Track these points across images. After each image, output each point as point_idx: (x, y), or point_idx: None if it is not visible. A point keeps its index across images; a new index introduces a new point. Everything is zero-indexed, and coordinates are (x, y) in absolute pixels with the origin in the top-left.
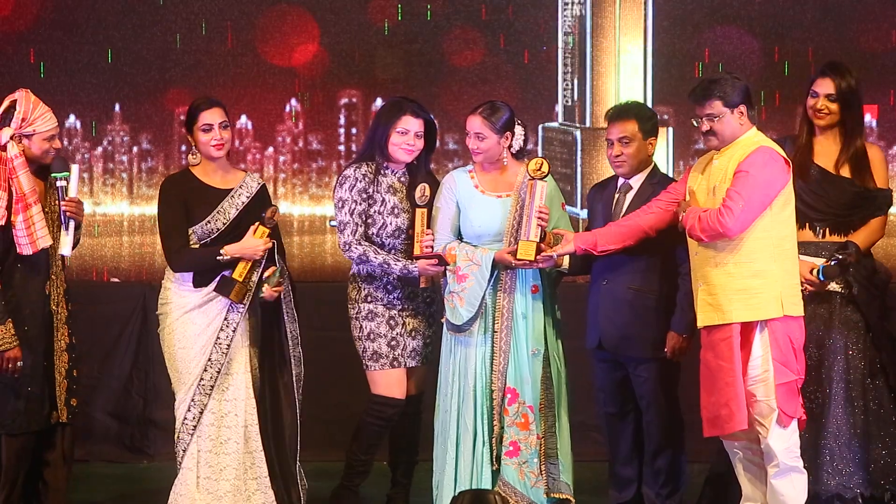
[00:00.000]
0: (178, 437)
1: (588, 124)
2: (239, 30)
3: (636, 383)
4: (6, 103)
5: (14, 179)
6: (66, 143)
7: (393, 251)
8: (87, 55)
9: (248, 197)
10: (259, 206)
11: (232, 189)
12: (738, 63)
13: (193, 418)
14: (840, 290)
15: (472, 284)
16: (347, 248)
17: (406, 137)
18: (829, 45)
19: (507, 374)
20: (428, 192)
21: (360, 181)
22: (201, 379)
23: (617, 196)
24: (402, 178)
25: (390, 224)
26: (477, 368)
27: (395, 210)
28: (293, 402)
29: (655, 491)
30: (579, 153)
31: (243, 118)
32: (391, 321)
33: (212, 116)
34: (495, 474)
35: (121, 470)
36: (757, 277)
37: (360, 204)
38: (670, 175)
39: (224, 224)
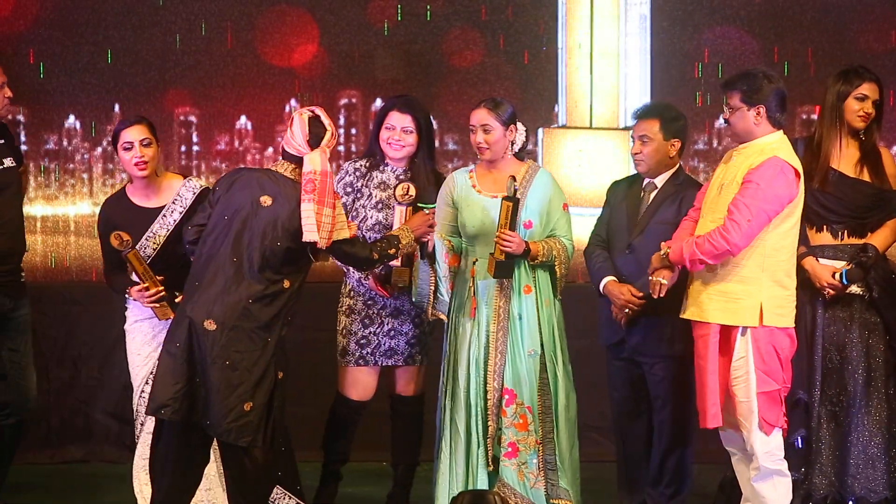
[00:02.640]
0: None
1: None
2: (238, 30)
3: (652, 382)
4: (301, 123)
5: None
6: (65, 143)
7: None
8: (86, 56)
9: (181, 213)
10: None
11: (164, 206)
12: (737, 63)
13: (137, 428)
14: (861, 292)
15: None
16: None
17: (392, 133)
18: (829, 46)
19: (504, 376)
20: (413, 192)
21: (350, 175)
22: (142, 391)
23: (642, 194)
24: (402, 176)
25: (371, 218)
26: (471, 370)
27: (380, 205)
28: None
29: (660, 490)
30: (541, 152)
31: (243, 118)
32: (367, 319)
33: (132, 134)
34: (492, 476)
35: (121, 470)
36: (741, 283)
37: (342, 197)
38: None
39: (154, 249)
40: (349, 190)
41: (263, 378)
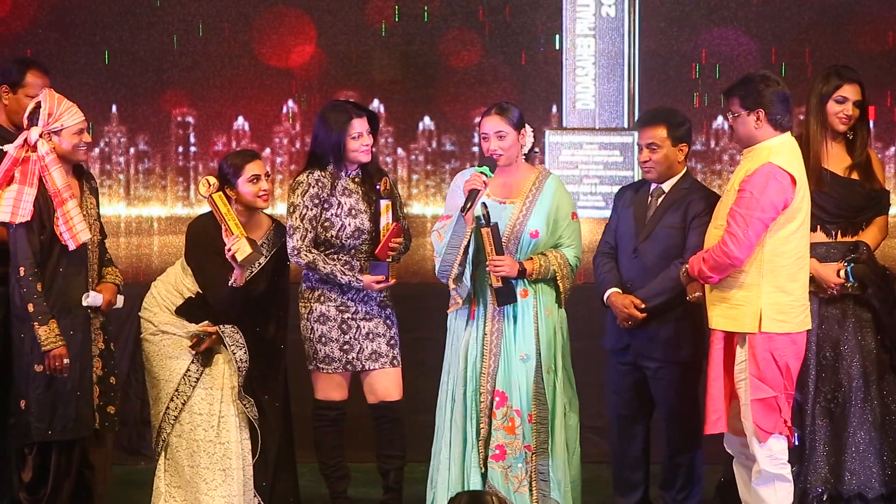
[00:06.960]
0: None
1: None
2: (236, 31)
3: (656, 387)
4: (32, 104)
5: (47, 176)
6: None
7: (353, 251)
8: (83, 56)
9: (266, 257)
10: (276, 262)
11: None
12: (735, 64)
13: (159, 445)
14: (856, 290)
15: (445, 237)
16: (297, 253)
17: (361, 140)
18: (826, 47)
19: (496, 378)
20: (391, 185)
21: (313, 186)
22: (168, 408)
23: (649, 199)
24: (357, 178)
25: (349, 226)
26: (468, 371)
27: (353, 211)
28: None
29: (672, 496)
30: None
31: (240, 119)
32: (343, 325)
33: (258, 168)
34: (484, 477)
35: (119, 471)
36: (741, 289)
37: (312, 209)
38: None
39: (234, 283)
40: (317, 201)
41: None
